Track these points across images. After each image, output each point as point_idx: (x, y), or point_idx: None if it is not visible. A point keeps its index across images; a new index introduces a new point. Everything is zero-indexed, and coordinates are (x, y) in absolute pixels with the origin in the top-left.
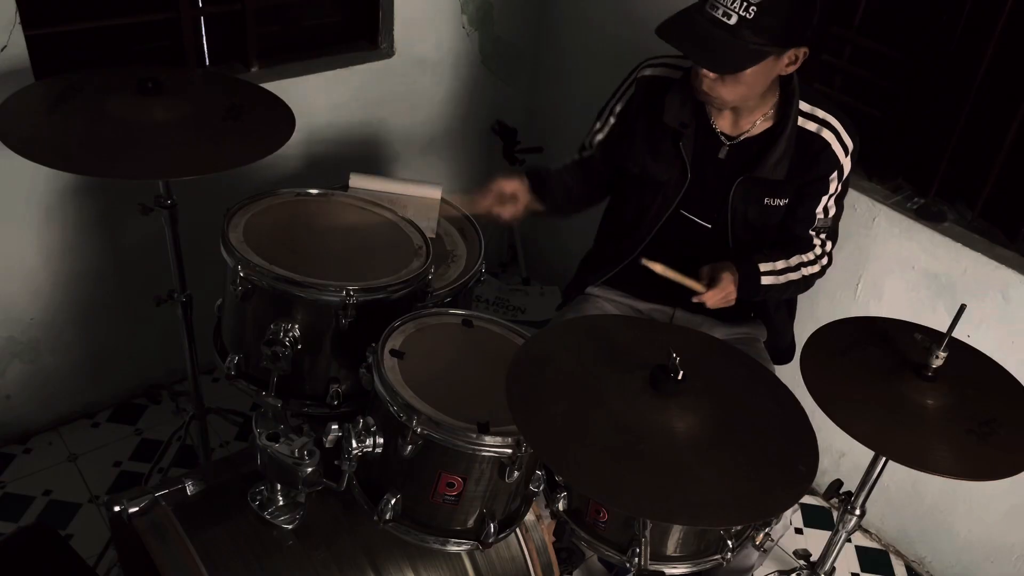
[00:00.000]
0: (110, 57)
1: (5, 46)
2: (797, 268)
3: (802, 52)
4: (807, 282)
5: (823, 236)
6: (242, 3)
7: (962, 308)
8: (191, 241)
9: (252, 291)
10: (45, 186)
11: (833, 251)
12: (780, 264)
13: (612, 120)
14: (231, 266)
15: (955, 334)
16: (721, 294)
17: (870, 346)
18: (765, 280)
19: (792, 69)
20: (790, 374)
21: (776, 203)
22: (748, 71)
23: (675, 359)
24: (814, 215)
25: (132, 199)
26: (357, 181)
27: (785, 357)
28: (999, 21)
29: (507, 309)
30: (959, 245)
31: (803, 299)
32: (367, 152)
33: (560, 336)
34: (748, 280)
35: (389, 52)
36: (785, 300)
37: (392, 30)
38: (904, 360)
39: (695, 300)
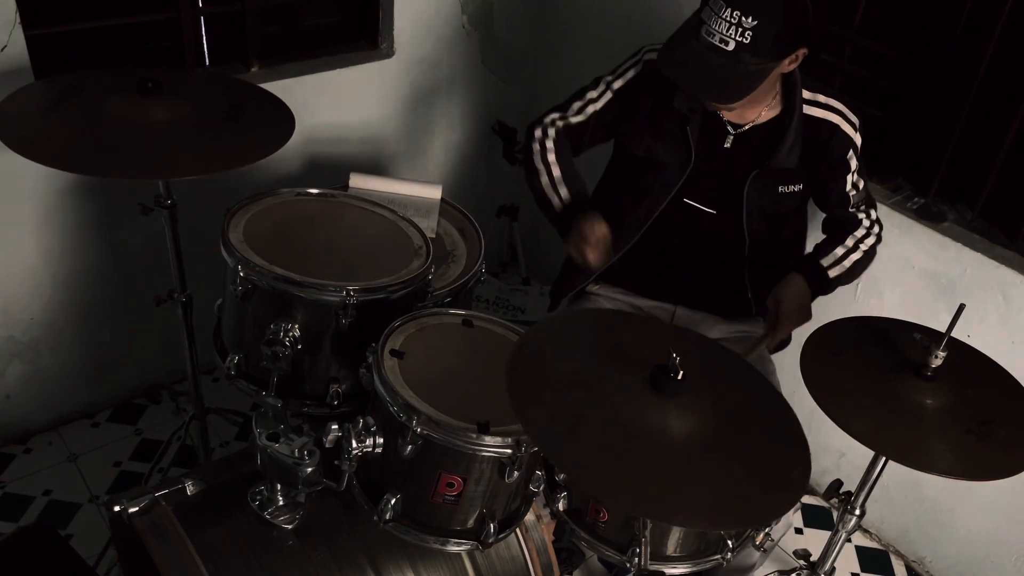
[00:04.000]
0: (110, 57)
1: (5, 46)
2: (856, 247)
3: (801, 52)
4: (869, 255)
5: (863, 207)
6: (242, 3)
7: (961, 308)
8: (191, 241)
9: (252, 291)
10: (45, 186)
11: (878, 215)
12: (840, 251)
13: (609, 95)
14: (231, 266)
15: (955, 334)
16: (789, 326)
17: (870, 346)
18: (832, 272)
19: (793, 67)
20: (791, 372)
21: (791, 189)
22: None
23: (675, 359)
24: (848, 196)
25: (132, 199)
26: (357, 181)
27: (783, 344)
28: (999, 21)
29: (507, 309)
30: (959, 245)
31: None
32: (367, 152)
33: (560, 332)
34: (818, 282)
35: (389, 52)
36: None
37: (392, 30)
38: (904, 360)
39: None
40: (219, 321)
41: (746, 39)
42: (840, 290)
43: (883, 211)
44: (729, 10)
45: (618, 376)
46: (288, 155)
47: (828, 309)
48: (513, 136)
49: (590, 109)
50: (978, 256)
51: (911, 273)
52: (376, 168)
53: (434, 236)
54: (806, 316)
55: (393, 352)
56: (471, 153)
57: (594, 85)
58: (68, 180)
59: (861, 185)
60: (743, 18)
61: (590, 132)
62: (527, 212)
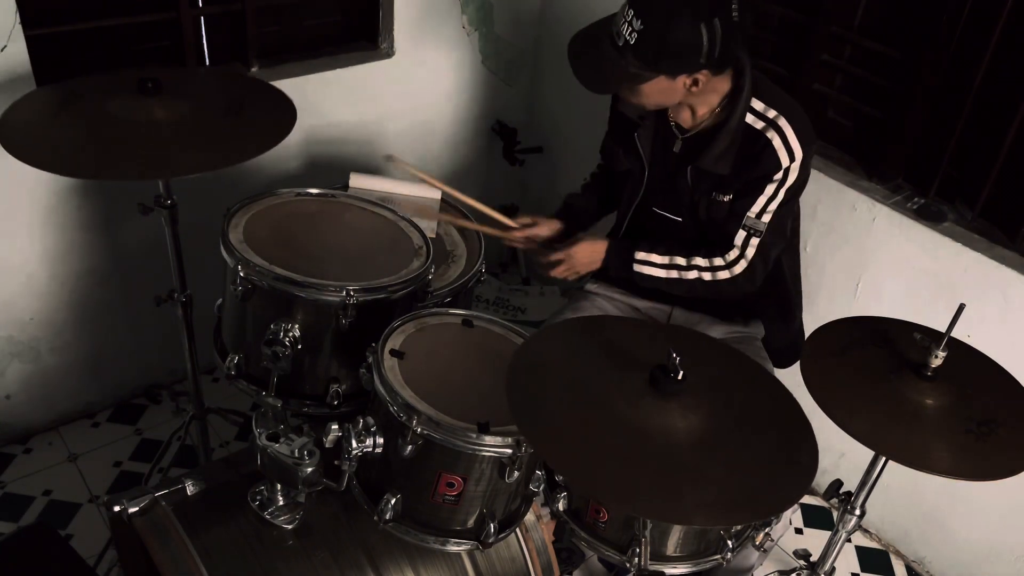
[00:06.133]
0: (110, 58)
1: (5, 46)
2: (690, 268)
3: (702, 75)
4: (707, 287)
5: (751, 241)
6: (242, 3)
7: (961, 307)
8: (191, 241)
9: (252, 291)
10: (45, 186)
11: (758, 266)
12: (665, 258)
13: (610, 114)
14: (231, 266)
15: (955, 334)
16: (561, 254)
17: (870, 346)
18: (638, 268)
19: (697, 89)
20: (790, 374)
21: (722, 199)
22: (644, 87)
23: (675, 359)
24: (745, 213)
25: (132, 199)
26: (357, 181)
27: (783, 360)
28: (999, 21)
29: (507, 309)
30: (959, 245)
31: (803, 299)
32: (367, 152)
33: (558, 337)
34: (618, 257)
35: (389, 52)
36: (775, 302)
37: (392, 30)
38: (904, 360)
39: (505, 237)
40: (219, 321)
41: (632, 39)
42: (840, 290)
43: (883, 211)
44: (628, 6)
45: (618, 379)
46: (288, 155)
47: (828, 309)
48: (513, 136)
49: (605, 133)
50: (978, 256)
51: (911, 273)
52: (376, 168)
53: (434, 236)
54: (581, 268)
55: (393, 352)
56: (471, 153)
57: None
58: (68, 180)
59: (766, 220)
60: (634, 19)
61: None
62: (527, 212)
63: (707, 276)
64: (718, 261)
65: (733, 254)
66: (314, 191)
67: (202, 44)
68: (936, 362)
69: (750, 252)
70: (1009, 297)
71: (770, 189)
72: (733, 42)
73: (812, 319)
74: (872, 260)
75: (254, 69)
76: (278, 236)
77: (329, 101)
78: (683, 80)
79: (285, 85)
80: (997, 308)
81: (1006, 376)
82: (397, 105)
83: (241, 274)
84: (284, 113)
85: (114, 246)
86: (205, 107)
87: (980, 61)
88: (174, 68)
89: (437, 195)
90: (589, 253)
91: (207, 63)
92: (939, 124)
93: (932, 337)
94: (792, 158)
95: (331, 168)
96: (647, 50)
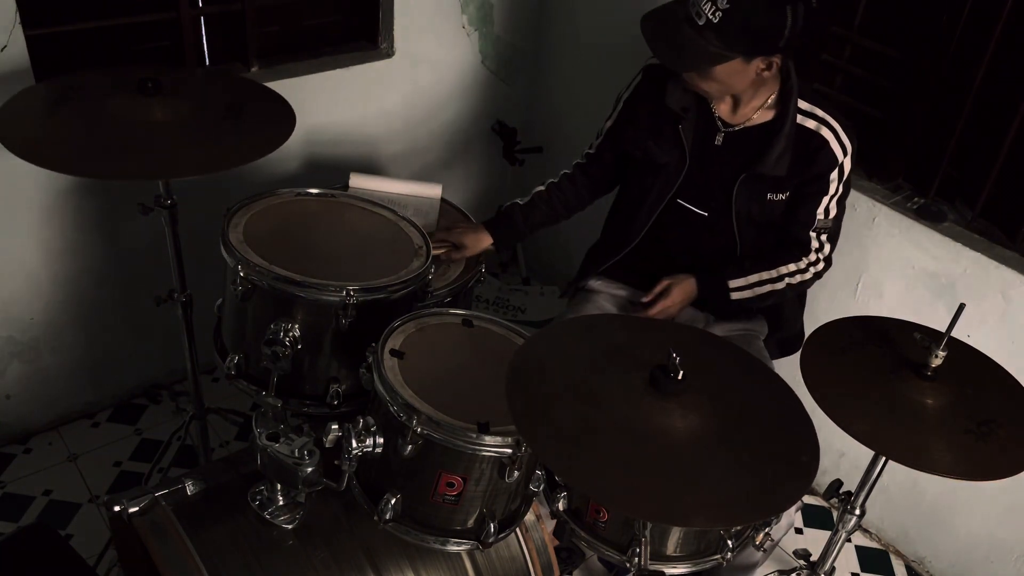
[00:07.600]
0: (110, 57)
1: (5, 46)
2: (780, 279)
3: (775, 60)
4: (796, 288)
5: (823, 238)
6: (242, 3)
7: (961, 307)
8: (191, 241)
9: (252, 291)
10: (45, 186)
11: (832, 254)
12: (755, 277)
13: (620, 107)
14: (231, 266)
15: (955, 334)
16: (659, 307)
17: (870, 345)
18: (736, 295)
19: (768, 74)
20: (790, 372)
21: (778, 198)
22: (718, 69)
23: (675, 359)
24: (815, 216)
25: (132, 199)
26: (357, 181)
27: (793, 347)
28: (999, 21)
29: (507, 309)
30: (959, 245)
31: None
32: (367, 152)
33: (558, 338)
34: (712, 294)
35: (389, 52)
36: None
37: (392, 30)
38: (904, 360)
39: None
40: (219, 321)
41: (715, 19)
42: (840, 290)
43: (883, 211)
44: None
45: (619, 380)
46: (288, 155)
47: (828, 309)
48: (513, 136)
49: (605, 127)
50: (978, 256)
51: (911, 273)
52: (376, 168)
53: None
54: (669, 314)
55: (393, 352)
56: (471, 153)
57: (612, 106)
58: (68, 180)
59: (833, 213)
60: None
61: (608, 149)
62: None
63: (796, 279)
64: (803, 263)
65: (813, 254)
66: (314, 191)
67: (202, 44)
68: (936, 362)
69: (827, 247)
70: (1009, 297)
71: (833, 187)
72: (808, 29)
73: (812, 319)
74: (872, 260)
75: (254, 69)
76: (278, 236)
77: (329, 101)
78: (757, 64)
79: (285, 85)
80: (997, 308)
81: (1006, 376)
82: (397, 105)
83: (241, 274)
84: (284, 118)
85: (114, 246)
86: (205, 108)
87: (980, 61)
88: (174, 68)
89: (437, 195)
90: (683, 297)
91: (207, 63)
92: (939, 124)
93: (932, 337)
94: (845, 152)
95: (331, 168)
96: (730, 29)
